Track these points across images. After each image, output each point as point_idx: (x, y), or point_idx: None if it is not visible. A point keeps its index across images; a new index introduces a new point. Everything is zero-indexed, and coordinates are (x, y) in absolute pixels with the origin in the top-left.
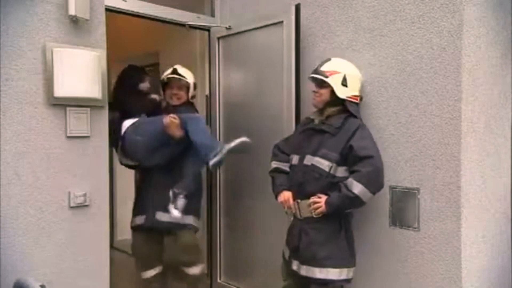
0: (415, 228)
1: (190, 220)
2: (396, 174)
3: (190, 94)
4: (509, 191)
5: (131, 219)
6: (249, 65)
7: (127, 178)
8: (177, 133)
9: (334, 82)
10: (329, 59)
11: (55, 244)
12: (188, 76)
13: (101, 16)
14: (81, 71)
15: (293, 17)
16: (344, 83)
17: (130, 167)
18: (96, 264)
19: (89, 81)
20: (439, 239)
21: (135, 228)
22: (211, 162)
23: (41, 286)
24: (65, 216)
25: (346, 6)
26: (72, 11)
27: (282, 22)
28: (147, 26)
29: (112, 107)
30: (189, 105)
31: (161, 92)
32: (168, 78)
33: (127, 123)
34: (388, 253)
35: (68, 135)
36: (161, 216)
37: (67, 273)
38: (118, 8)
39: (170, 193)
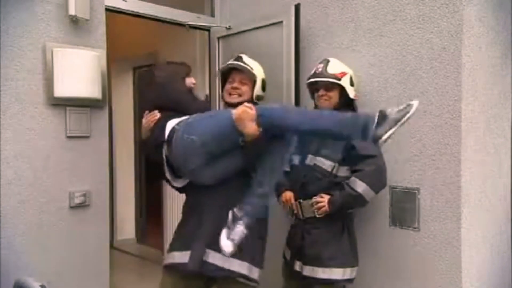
0: (415, 228)
1: (247, 270)
2: (396, 174)
3: (256, 93)
4: (509, 191)
5: (168, 253)
6: None
7: (127, 178)
8: (251, 129)
9: (346, 83)
10: (328, 60)
11: (55, 244)
12: (255, 68)
13: (101, 16)
14: (81, 71)
15: (292, 17)
16: (352, 83)
17: (180, 190)
18: (96, 264)
19: (89, 81)
20: (439, 239)
21: (171, 267)
22: (384, 137)
23: (41, 286)
24: (65, 216)
25: (346, 6)
26: (72, 11)
27: (282, 22)
28: (146, 26)
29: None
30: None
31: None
32: (228, 67)
33: (172, 123)
34: (388, 253)
35: (68, 135)
36: (213, 257)
37: (67, 273)
38: (118, 8)
39: (230, 215)
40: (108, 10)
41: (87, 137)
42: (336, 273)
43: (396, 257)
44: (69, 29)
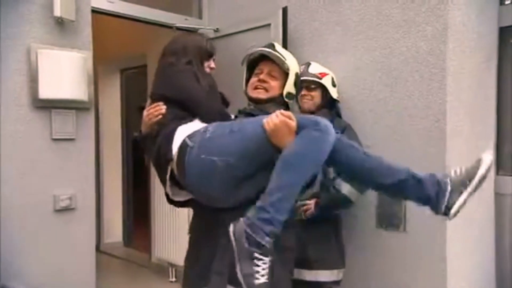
0: (401, 229)
1: None
2: None
3: (286, 89)
4: (492, 193)
5: None
6: (237, 68)
7: (114, 181)
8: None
9: (327, 83)
10: (309, 63)
11: (40, 248)
12: (289, 59)
13: (87, 18)
14: (67, 73)
15: (280, 20)
16: (334, 84)
17: (180, 204)
18: (82, 268)
19: (74, 83)
20: (425, 240)
21: None
22: (454, 210)
23: None
24: (51, 219)
25: (333, 10)
26: (57, 12)
27: (269, 24)
28: (134, 27)
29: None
30: (278, 106)
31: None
32: (256, 55)
33: (182, 132)
34: (374, 254)
35: (53, 137)
36: None
37: (53, 277)
38: (105, 10)
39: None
40: (94, 11)
41: (72, 139)
42: (323, 275)
43: (383, 258)
44: (55, 30)
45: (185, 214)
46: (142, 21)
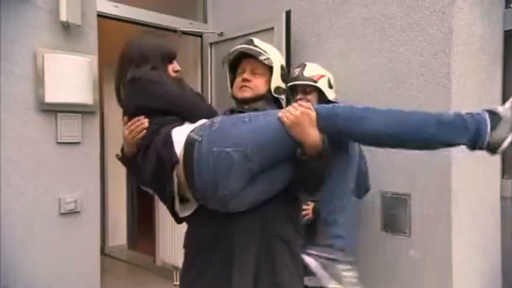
0: (406, 233)
1: None
2: (388, 180)
3: (274, 84)
4: (498, 197)
5: None
6: None
7: (119, 184)
8: (313, 137)
9: (323, 85)
10: (304, 65)
11: (45, 252)
12: (271, 52)
13: (93, 22)
14: (73, 77)
15: (283, 23)
16: (330, 85)
17: (182, 219)
18: (87, 271)
19: (80, 87)
20: (430, 244)
21: None
22: (504, 145)
23: None
24: (56, 222)
25: (337, 14)
26: (63, 17)
27: (273, 28)
28: (139, 31)
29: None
30: (269, 103)
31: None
32: (236, 54)
33: (181, 131)
34: (379, 258)
35: (59, 141)
36: None
37: (57, 281)
38: (110, 14)
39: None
40: (100, 16)
41: (78, 143)
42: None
43: (387, 262)
44: (61, 35)
45: None
46: (147, 25)
